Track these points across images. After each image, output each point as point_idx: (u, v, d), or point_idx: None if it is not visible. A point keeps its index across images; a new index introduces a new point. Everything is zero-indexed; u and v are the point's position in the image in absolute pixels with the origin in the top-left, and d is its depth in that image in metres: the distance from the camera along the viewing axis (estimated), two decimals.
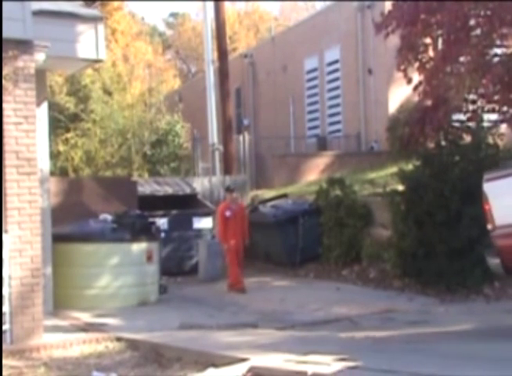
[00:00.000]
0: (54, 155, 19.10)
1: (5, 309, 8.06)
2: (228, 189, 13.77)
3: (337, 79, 23.62)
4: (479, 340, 7.31)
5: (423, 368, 5.74)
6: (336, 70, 23.61)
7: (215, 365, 6.82)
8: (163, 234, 13.73)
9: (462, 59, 11.88)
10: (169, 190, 16.53)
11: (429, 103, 12.82)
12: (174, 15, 56.80)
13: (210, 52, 20.44)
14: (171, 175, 20.40)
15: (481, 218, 7.88)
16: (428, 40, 12.47)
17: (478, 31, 11.78)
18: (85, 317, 10.13)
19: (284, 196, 16.76)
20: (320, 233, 14.47)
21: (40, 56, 8.71)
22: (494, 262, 7.21)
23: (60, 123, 21.31)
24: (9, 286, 8.11)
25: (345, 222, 14.02)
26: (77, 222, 11.76)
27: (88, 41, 10.18)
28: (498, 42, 12.23)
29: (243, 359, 6.78)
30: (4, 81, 8.08)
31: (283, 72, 26.20)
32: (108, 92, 23.35)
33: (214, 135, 19.74)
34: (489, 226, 7.23)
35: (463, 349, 6.83)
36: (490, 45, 12.05)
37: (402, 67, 12.41)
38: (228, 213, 13.07)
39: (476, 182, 8.26)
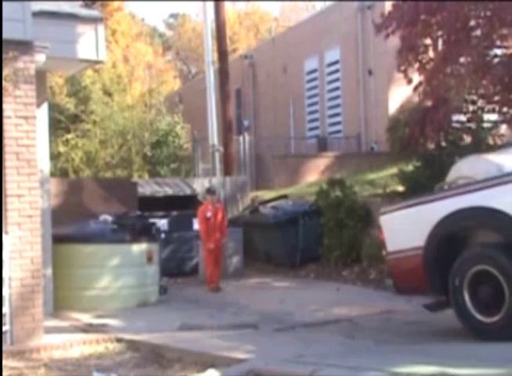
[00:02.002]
0: (54, 156, 19.12)
1: (6, 309, 8.06)
2: (209, 191, 13.96)
3: (337, 80, 23.64)
4: (478, 340, 7.31)
5: (422, 368, 5.74)
6: (336, 71, 23.63)
7: (215, 366, 6.83)
8: (163, 235, 13.73)
9: (462, 59, 11.88)
10: (169, 191, 16.54)
11: (429, 103, 12.82)
12: (174, 16, 56.84)
13: (210, 53, 20.39)
14: (172, 176, 20.43)
15: None
16: (428, 41, 12.47)
17: (478, 32, 11.78)
18: (85, 318, 10.13)
19: (284, 197, 16.77)
20: (320, 234, 14.47)
21: (40, 57, 8.71)
22: (389, 282, 8.23)
23: (60, 124, 21.35)
24: (9, 287, 8.10)
25: (345, 222, 14.01)
26: (77, 223, 11.75)
27: (88, 42, 10.18)
28: (498, 43, 12.23)
29: (244, 360, 6.78)
30: (4, 82, 8.08)
31: (283, 73, 26.21)
32: (108, 93, 23.38)
33: (214, 136, 19.68)
34: (384, 252, 8.12)
35: (462, 349, 6.83)
36: (490, 45, 12.05)
37: (403, 68, 12.41)
38: (208, 214, 13.41)
39: None
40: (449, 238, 7.33)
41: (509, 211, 6.76)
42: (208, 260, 13.40)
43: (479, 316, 7.11)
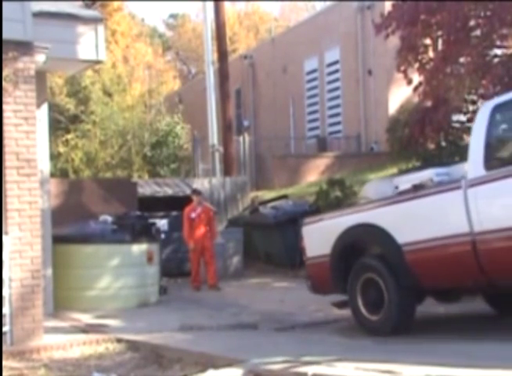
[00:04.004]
0: (54, 156, 19.13)
1: (6, 310, 8.05)
2: (195, 192, 14.05)
3: (336, 80, 23.64)
4: (479, 340, 7.32)
5: (422, 368, 5.75)
6: (336, 71, 23.64)
7: (215, 366, 6.82)
8: (163, 235, 13.74)
9: (462, 59, 11.88)
10: (169, 191, 16.54)
11: (429, 103, 12.82)
12: (174, 16, 56.84)
13: (210, 53, 20.46)
14: (171, 177, 20.43)
15: None
16: (428, 41, 12.47)
17: (478, 32, 11.78)
18: (85, 318, 10.12)
19: (284, 197, 16.77)
20: None
21: (40, 58, 8.71)
22: (308, 283, 9.30)
23: (60, 124, 21.37)
24: (9, 287, 8.10)
25: None
26: (77, 223, 11.75)
27: (88, 43, 10.18)
28: (498, 43, 12.23)
29: (243, 361, 6.78)
30: (4, 83, 8.07)
31: (282, 73, 26.22)
32: (108, 94, 23.40)
33: (214, 136, 19.75)
34: (304, 258, 9.28)
35: (462, 349, 6.83)
36: (490, 45, 12.05)
37: (402, 68, 12.41)
38: (193, 215, 13.53)
39: None
40: (347, 248, 8.50)
41: (385, 227, 7.89)
42: (193, 259, 13.54)
43: (367, 315, 8.25)
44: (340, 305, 8.96)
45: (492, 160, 7.17)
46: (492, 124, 7.31)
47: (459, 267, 7.30)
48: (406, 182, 8.20)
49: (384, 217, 7.98)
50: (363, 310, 8.27)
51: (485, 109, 7.51)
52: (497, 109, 7.37)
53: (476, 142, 7.42)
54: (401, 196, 8.04)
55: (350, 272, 8.40)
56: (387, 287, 7.92)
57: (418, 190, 7.74)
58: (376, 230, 7.99)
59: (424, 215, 7.60)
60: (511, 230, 6.77)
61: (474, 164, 7.34)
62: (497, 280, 7.18)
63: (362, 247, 8.49)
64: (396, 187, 8.42)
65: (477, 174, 7.21)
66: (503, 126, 7.61)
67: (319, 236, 8.95)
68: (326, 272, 8.70)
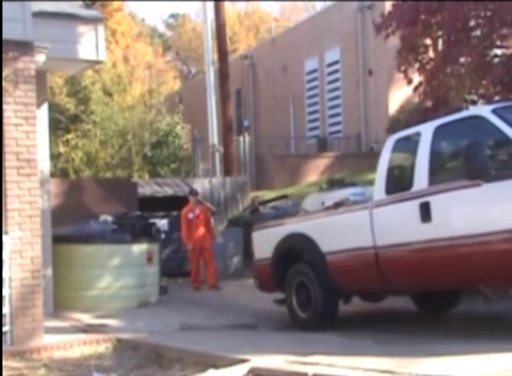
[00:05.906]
0: (54, 156, 19.13)
1: (6, 310, 8.05)
2: (192, 193, 14.05)
3: (337, 80, 23.65)
4: (479, 340, 7.32)
5: (422, 368, 5.75)
6: (336, 71, 23.65)
7: (216, 366, 6.82)
8: (163, 235, 13.74)
9: (462, 59, 11.87)
10: (169, 191, 16.55)
11: (429, 103, 12.82)
12: (174, 16, 56.87)
13: (210, 53, 20.46)
14: (172, 177, 20.43)
15: None
16: (428, 41, 12.46)
17: (479, 32, 11.77)
18: (86, 318, 10.12)
19: (284, 197, 16.76)
20: None
21: (40, 58, 8.71)
22: (255, 282, 10.37)
23: (61, 124, 21.36)
24: (9, 287, 8.10)
25: None
26: (77, 223, 11.75)
27: (89, 43, 10.18)
28: (498, 43, 12.22)
29: (244, 360, 6.78)
30: (4, 83, 8.07)
31: (283, 73, 26.23)
32: (108, 94, 23.40)
33: (214, 136, 19.76)
34: (253, 259, 10.37)
35: (462, 350, 6.83)
36: (490, 45, 12.04)
37: (403, 68, 12.40)
38: (190, 215, 13.57)
39: None
40: (285, 254, 9.52)
41: (313, 237, 8.96)
42: (193, 259, 13.56)
43: (299, 312, 9.29)
44: (280, 302, 9.82)
45: (391, 185, 8.27)
46: (393, 154, 8.53)
47: (367, 274, 8.42)
48: (330, 199, 9.33)
49: (312, 228, 9.10)
50: (296, 308, 9.32)
51: (390, 141, 8.63)
52: (398, 142, 8.51)
53: (381, 168, 8.58)
54: (325, 211, 9.20)
55: (287, 274, 9.43)
56: (314, 289, 9.00)
57: (337, 207, 8.91)
58: (306, 239, 9.08)
59: (341, 229, 8.76)
60: (403, 245, 7.89)
61: (378, 188, 8.42)
62: (394, 285, 8.34)
63: (297, 253, 9.40)
64: (322, 203, 9.46)
65: (379, 197, 8.30)
66: (401, 157, 8.71)
67: (264, 242, 10.01)
68: (269, 273, 9.78)
